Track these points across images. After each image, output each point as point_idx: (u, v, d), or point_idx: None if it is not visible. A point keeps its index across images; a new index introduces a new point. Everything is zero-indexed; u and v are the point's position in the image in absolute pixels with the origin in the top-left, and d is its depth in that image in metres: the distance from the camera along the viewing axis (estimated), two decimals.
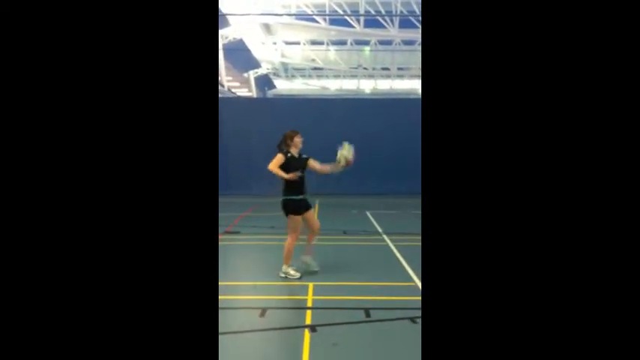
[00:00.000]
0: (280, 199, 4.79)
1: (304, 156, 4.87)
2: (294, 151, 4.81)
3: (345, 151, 4.75)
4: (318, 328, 3.45)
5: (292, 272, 4.81)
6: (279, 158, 4.74)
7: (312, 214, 4.96)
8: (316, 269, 4.96)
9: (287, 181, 4.71)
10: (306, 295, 4.28)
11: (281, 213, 4.81)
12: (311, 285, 4.52)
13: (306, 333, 3.37)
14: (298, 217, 4.77)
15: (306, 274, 4.83)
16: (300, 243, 4.92)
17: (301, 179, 4.77)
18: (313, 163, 4.86)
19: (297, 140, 4.82)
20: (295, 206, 4.74)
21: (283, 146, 4.84)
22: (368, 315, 3.74)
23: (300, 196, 4.77)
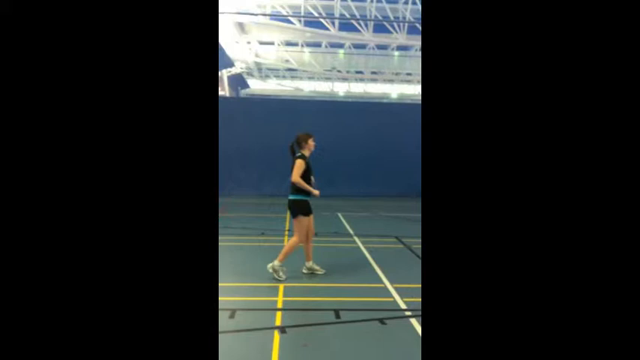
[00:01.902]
0: (289, 198, 4.68)
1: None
2: (307, 154, 4.71)
3: None
4: (287, 330, 3.45)
5: (282, 274, 4.71)
6: (301, 165, 4.55)
7: (312, 218, 4.85)
8: (322, 272, 4.93)
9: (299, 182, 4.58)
10: (277, 296, 4.27)
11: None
12: (281, 286, 4.51)
13: (276, 334, 3.37)
14: (307, 219, 4.71)
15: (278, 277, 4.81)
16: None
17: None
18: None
19: (312, 143, 4.72)
20: (305, 207, 4.68)
21: (298, 149, 4.70)
22: (338, 316, 3.76)
23: (308, 197, 4.69)
